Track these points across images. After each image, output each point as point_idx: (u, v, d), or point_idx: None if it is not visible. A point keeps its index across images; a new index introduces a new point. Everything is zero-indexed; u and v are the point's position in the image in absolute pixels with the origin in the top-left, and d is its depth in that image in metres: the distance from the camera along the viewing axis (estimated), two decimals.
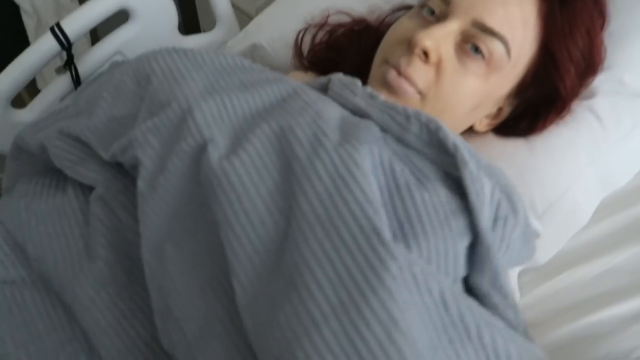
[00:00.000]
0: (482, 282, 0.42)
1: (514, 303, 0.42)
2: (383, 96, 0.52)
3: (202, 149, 0.44)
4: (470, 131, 0.64)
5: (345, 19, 0.73)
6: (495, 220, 0.44)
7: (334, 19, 0.73)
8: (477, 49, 0.53)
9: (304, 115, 0.45)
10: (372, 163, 0.43)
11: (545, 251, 0.62)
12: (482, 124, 0.63)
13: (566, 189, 0.61)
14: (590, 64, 0.60)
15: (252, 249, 0.39)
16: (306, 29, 0.73)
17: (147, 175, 0.45)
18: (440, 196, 0.43)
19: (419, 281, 0.36)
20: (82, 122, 0.52)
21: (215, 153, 0.43)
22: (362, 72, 0.59)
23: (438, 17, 0.56)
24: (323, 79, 0.56)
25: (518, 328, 0.41)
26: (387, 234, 0.37)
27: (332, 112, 0.47)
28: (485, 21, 0.53)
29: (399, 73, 0.55)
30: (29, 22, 1.69)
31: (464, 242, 0.42)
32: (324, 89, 0.55)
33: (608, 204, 0.65)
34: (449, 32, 0.54)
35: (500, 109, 0.62)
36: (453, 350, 0.36)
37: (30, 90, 1.80)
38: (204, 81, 0.50)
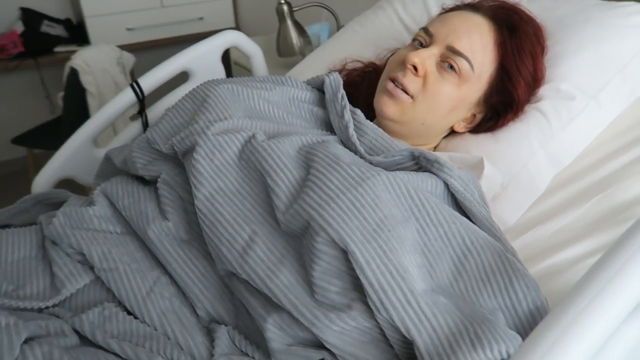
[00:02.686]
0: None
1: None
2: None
3: (251, 137, 0.67)
4: (453, 133, 0.86)
5: (358, 65, 0.95)
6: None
7: (350, 65, 0.95)
8: (451, 66, 0.76)
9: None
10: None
11: (512, 214, 0.79)
12: (460, 126, 0.84)
13: (523, 166, 0.79)
14: (535, 78, 0.81)
15: (287, 182, 0.61)
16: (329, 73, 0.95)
17: (203, 152, 0.66)
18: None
19: (391, 181, 0.59)
20: (150, 130, 0.76)
21: (260, 138, 0.67)
22: (370, 100, 0.82)
23: (424, 45, 0.79)
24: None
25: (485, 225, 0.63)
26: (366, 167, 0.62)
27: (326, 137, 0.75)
28: (455, 46, 0.76)
29: (396, 84, 0.77)
30: (92, 103, 1.99)
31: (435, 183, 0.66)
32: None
33: (560, 182, 0.82)
34: (431, 54, 0.77)
35: (474, 115, 0.83)
36: (419, 224, 0.58)
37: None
38: (242, 110, 0.74)
